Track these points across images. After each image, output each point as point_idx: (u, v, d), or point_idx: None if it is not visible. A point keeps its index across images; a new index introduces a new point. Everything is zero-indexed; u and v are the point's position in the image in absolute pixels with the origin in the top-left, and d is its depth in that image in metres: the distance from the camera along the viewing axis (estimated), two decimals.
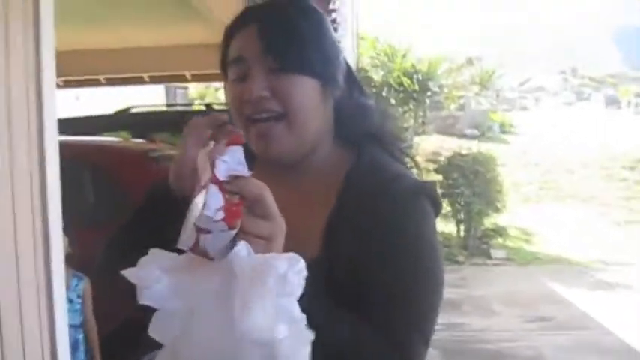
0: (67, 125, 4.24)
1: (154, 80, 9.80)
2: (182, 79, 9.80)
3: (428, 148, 16.08)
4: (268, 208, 0.90)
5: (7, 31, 2.00)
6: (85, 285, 3.61)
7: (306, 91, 1.14)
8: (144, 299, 0.87)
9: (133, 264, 0.90)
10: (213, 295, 0.86)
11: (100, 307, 3.66)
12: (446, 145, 16.59)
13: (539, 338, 6.60)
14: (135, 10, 6.06)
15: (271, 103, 1.12)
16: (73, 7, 5.04)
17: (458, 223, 11.40)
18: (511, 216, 12.32)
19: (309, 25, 1.16)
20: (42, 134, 2.13)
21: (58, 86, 2.47)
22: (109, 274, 1.15)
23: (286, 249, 0.90)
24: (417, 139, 15.20)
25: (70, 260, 2.92)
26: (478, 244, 11.22)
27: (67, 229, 2.35)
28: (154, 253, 0.90)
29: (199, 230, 0.84)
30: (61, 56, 2.28)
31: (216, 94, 20.33)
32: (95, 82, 9.22)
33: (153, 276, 0.87)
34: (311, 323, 0.86)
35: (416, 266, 1.11)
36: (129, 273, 0.88)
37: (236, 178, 0.88)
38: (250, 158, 0.95)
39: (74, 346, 3.39)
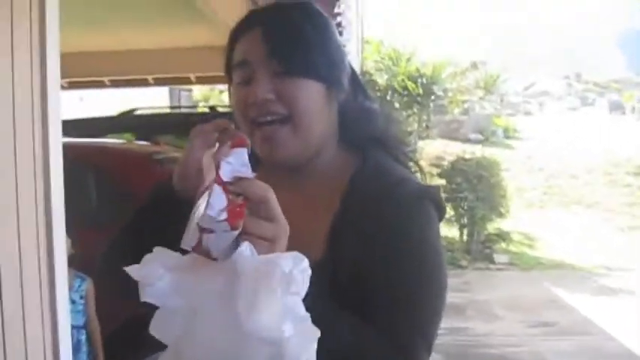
0: (71, 127, 4.25)
1: (159, 82, 9.80)
2: (186, 81, 9.81)
3: (432, 153, 16.08)
4: (272, 209, 0.90)
5: (13, 32, 2.01)
6: (87, 286, 3.61)
7: (311, 95, 1.14)
8: (146, 296, 0.87)
9: (135, 264, 0.90)
10: (216, 295, 0.86)
11: (101, 307, 3.66)
12: (449, 150, 16.57)
13: (542, 343, 6.59)
14: (140, 13, 6.06)
15: (276, 106, 1.12)
16: (78, 9, 5.05)
17: (461, 227, 11.38)
18: (514, 221, 12.31)
19: (314, 28, 1.16)
20: (46, 135, 2.14)
21: (63, 87, 2.47)
22: (110, 273, 1.15)
23: (290, 251, 0.90)
24: (420, 143, 15.20)
25: (73, 261, 2.92)
26: (481, 249, 11.21)
27: (69, 230, 2.35)
28: (158, 251, 0.90)
29: (202, 230, 0.84)
30: (65, 58, 2.28)
31: (220, 96, 20.34)
32: (99, 84, 9.22)
33: (156, 274, 0.87)
34: (314, 324, 0.85)
35: (420, 270, 1.11)
36: (132, 270, 0.88)
37: (240, 179, 0.88)
38: (255, 161, 0.95)
39: (76, 348, 3.40)
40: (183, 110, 11.79)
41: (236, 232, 0.85)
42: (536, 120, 22.58)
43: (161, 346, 0.91)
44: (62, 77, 2.27)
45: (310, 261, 0.86)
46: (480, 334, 6.92)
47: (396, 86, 15.36)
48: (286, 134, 1.13)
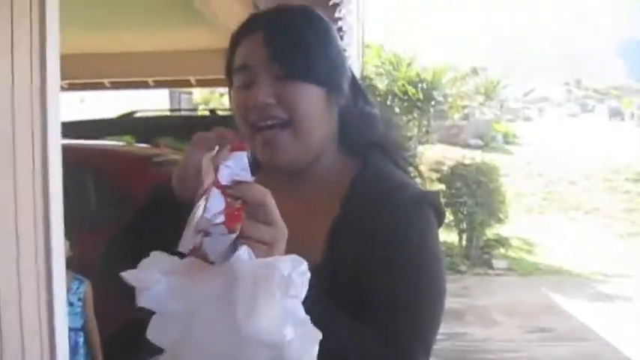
0: (70, 128, 4.25)
1: (159, 85, 9.81)
2: (187, 84, 9.81)
3: (431, 158, 16.06)
4: (270, 213, 0.90)
5: (13, 32, 2.01)
6: (85, 288, 3.60)
7: (311, 99, 1.14)
8: (143, 301, 0.87)
9: (133, 265, 0.90)
10: (214, 298, 0.86)
11: (101, 308, 3.65)
12: (449, 155, 16.59)
13: (539, 349, 6.60)
14: (140, 15, 6.07)
15: (277, 111, 1.12)
16: (78, 10, 5.05)
17: (460, 232, 11.38)
18: (513, 226, 12.30)
19: (315, 32, 1.16)
20: (45, 137, 2.13)
21: (63, 89, 2.47)
22: (108, 275, 1.15)
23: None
24: (420, 148, 15.18)
25: (71, 263, 2.92)
26: (480, 254, 11.20)
27: (68, 233, 2.35)
28: (155, 255, 0.90)
29: (199, 233, 0.84)
30: (66, 59, 2.28)
31: (220, 99, 20.35)
32: (100, 86, 9.23)
33: (153, 278, 0.87)
34: (314, 326, 0.85)
35: (419, 275, 1.10)
36: (128, 275, 0.88)
37: (239, 182, 0.88)
38: (256, 165, 0.95)
39: (74, 350, 3.39)
40: (183, 113, 11.82)
41: (233, 236, 0.85)
42: (536, 126, 22.58)
43: (160, 349, 0.91)
44: (62, 79, 2.27)
45: (310, 264, 0.86)
46: (479, 340, 6.92)
47: (397, 91, 15.35)
48: (286, 138, 1.13)
